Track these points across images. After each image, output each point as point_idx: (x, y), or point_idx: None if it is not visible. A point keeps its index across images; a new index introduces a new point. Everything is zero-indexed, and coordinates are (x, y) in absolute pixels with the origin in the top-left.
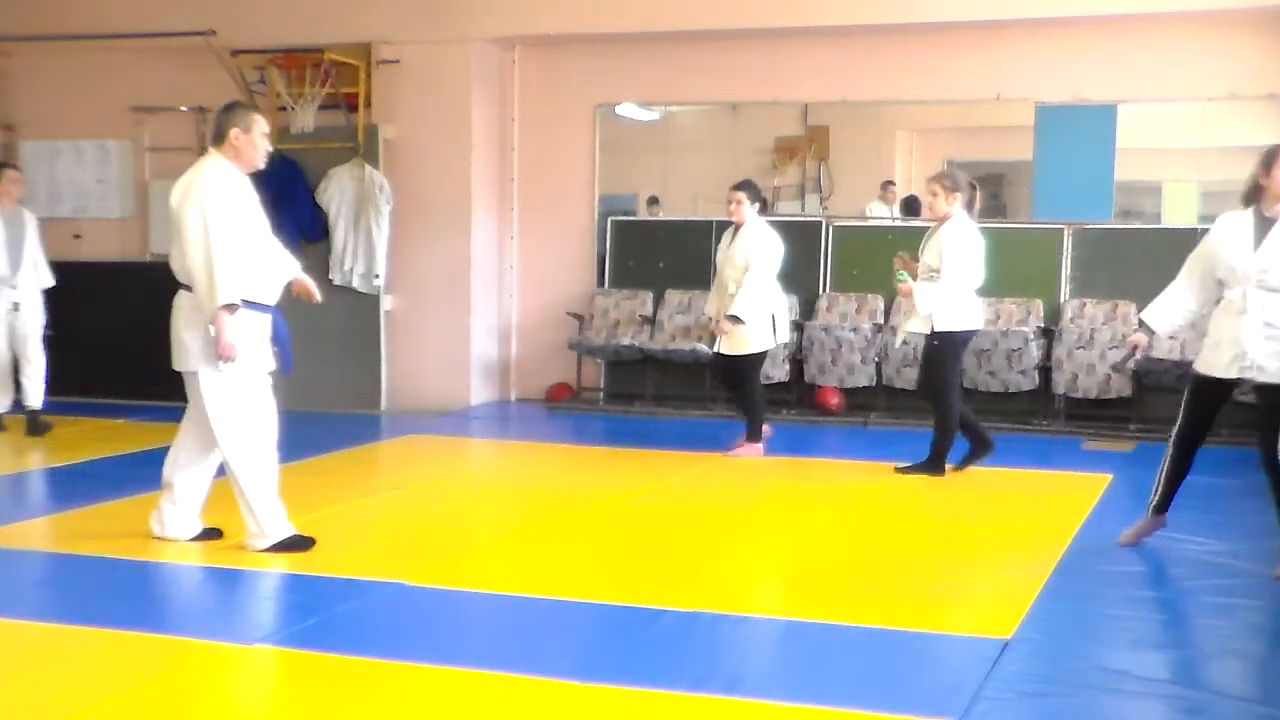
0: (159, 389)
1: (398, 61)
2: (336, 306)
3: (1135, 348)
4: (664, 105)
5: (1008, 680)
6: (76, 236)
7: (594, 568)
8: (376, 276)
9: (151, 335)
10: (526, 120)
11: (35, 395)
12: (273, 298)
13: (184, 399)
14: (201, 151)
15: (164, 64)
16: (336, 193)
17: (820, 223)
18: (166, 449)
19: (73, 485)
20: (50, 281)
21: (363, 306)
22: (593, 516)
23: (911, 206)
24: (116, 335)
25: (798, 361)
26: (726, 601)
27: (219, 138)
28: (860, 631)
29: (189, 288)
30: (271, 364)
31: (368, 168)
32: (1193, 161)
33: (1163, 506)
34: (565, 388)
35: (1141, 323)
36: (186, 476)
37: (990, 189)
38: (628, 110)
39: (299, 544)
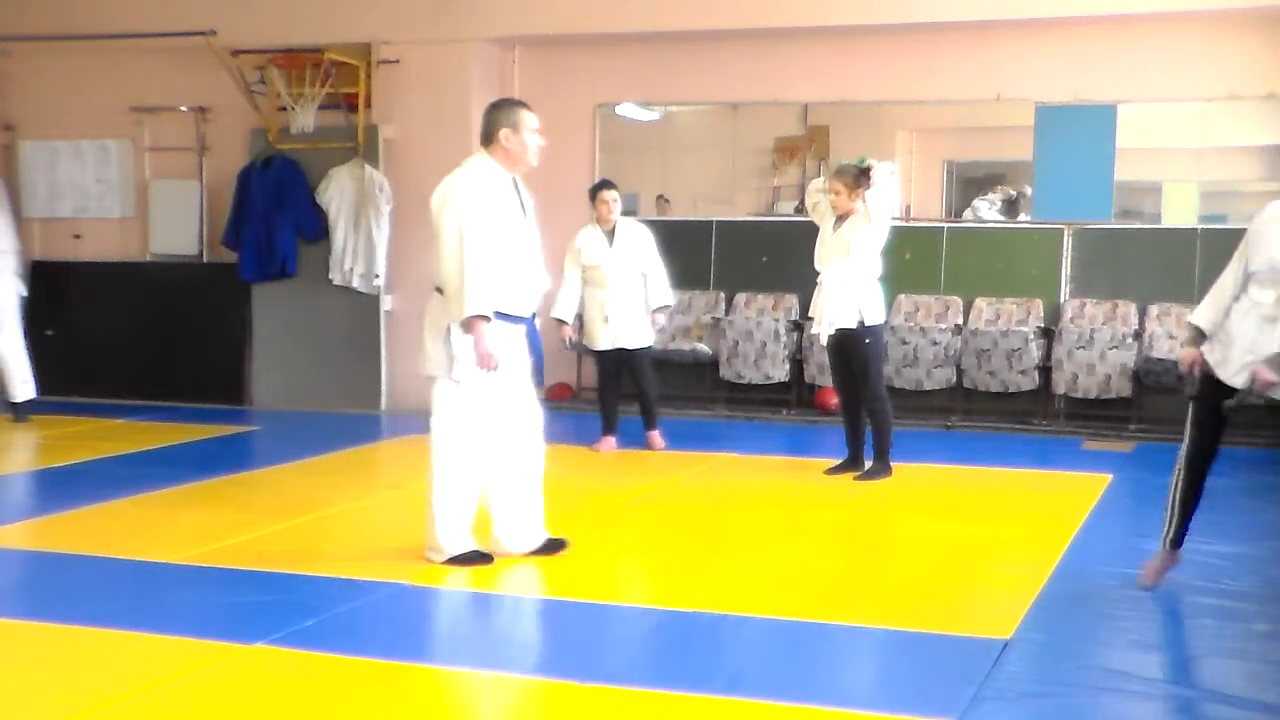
0: (159, 389)
1: (398, 61)
2: (336, 306)
3: (1193, 365)
4: (664, 105)
5: (1008, 680)
6: (76, 236)
7: (593, 568)
8: (376, 276)
9: (152, 335)
10: None
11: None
12: (528, 309)
13: (185, 399)
14: (202, 151)
15: (164, 64)
16: (336, 193)
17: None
18: (166, 449)
19: (73, 485)
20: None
21: (363, 306)
22: (592, 516)
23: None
24: (116, 335)
25: (798, 361)
26: (726, 601)
27: (486, 137)
28: (860, 631)
29: (438, 290)
30: (518, 377)
31: (368, 168)
32: (1193, 161)
33: (1179, 540)
34: (565, 388)
35: (1192, 327)
36: (507, 489)
37: (990, 189)
38: (628, 110)
39: (478, 559)
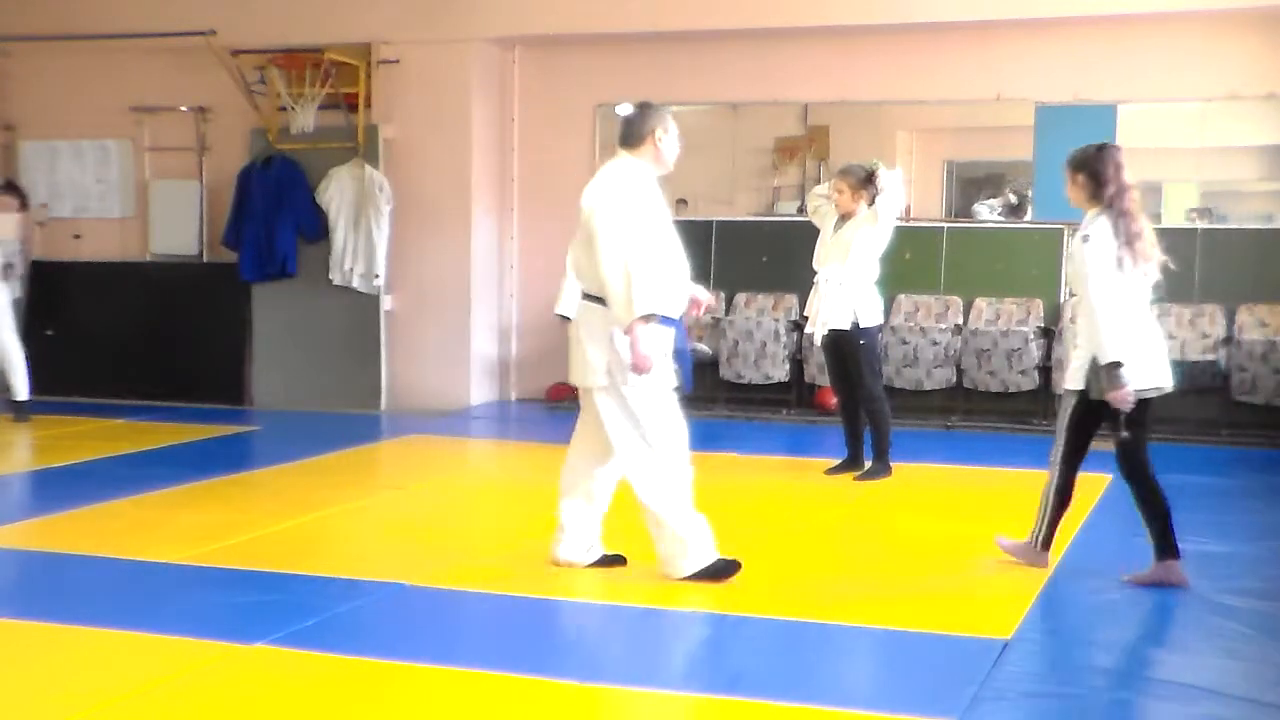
0: (159, 389)
1: (398, 61)
2: (336, 306)
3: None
4: (664, 105)
5: (1008, 680)
6: (76, 236)
7: (592, 568)
8: (376, 276)
9: (152, 335)
10: (526, 120)
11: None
12: (678, 311)
13: (185, 399)
14: (202, 151)
15: (164, 64)
16: (336, 193)
17: None
18: (166, 449)
19: (73, 485)
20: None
21: (363, 306)
22: None
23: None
24: (116, 335)
25: (798, 361)
26: (726, 601)
27: (636, 139)
28: (860, 631)
29: (596, 299)
30: (674, 380)
31: (368, 168)
32: (1193, 161)
33: (1169, 548)
34: (565, 388)
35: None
36: (576, 500)
37: (990, 189)
38: (628, 110)
39: (724, 569)
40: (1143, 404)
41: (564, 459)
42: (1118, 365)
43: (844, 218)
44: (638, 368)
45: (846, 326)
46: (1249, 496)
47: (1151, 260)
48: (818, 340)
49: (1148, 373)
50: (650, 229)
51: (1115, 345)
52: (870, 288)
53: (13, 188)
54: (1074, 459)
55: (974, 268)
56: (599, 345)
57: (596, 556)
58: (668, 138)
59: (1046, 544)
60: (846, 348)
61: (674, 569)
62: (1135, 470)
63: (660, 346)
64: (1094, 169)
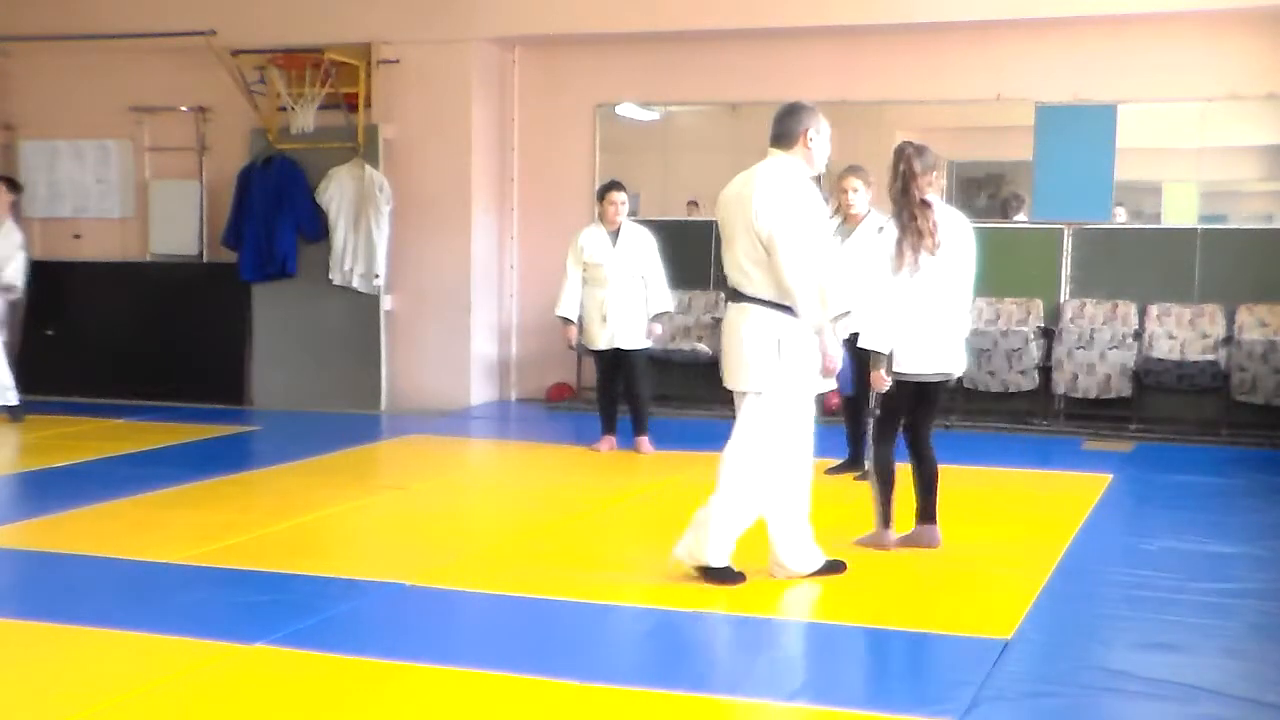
0: (159, 389)
1: (398, 61)
2: (336, 306)
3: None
4: (664, 105)
5: (1008, 680)
6: (76, 236)
7: (594, 568)
8: (376, 276)
9: (152, 335)
10: (526, 120)
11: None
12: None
13: (185, 399)
14: (202, 151)
15: (164, 64)
16: (336, 193)
17: None
18: (166, 449)
19: (73, 485)
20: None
21: (363, 306)
22: (592, 516)
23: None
24: (116, 335)
25: None
26: (726, 601)
27: (789, 139)
28: (860, 631)
29: (759, 301)
30: (822, 385)
31: (368, 168)
32: (1193, 161)
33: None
34: (565, 388)
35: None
36: (781, 506)
37: (990, 189)
38: (628, 110)
39: (731, 577)
40: (903, 386)
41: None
42: (877, 352)
43: (846, 221)
44: (829, 367)
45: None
46: (1249, 496)
47: (935, 252)
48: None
49: (911, 360)
50: (822, 231)
51: (874, 333)
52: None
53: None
54: (885, 436)
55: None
56: (763, 349)
57: (821, 563)
58: (819, 138)
59: (886, 523)
60: (860, 351)
61: (680, 553)
62: (892, 444)
63: (809, 350)
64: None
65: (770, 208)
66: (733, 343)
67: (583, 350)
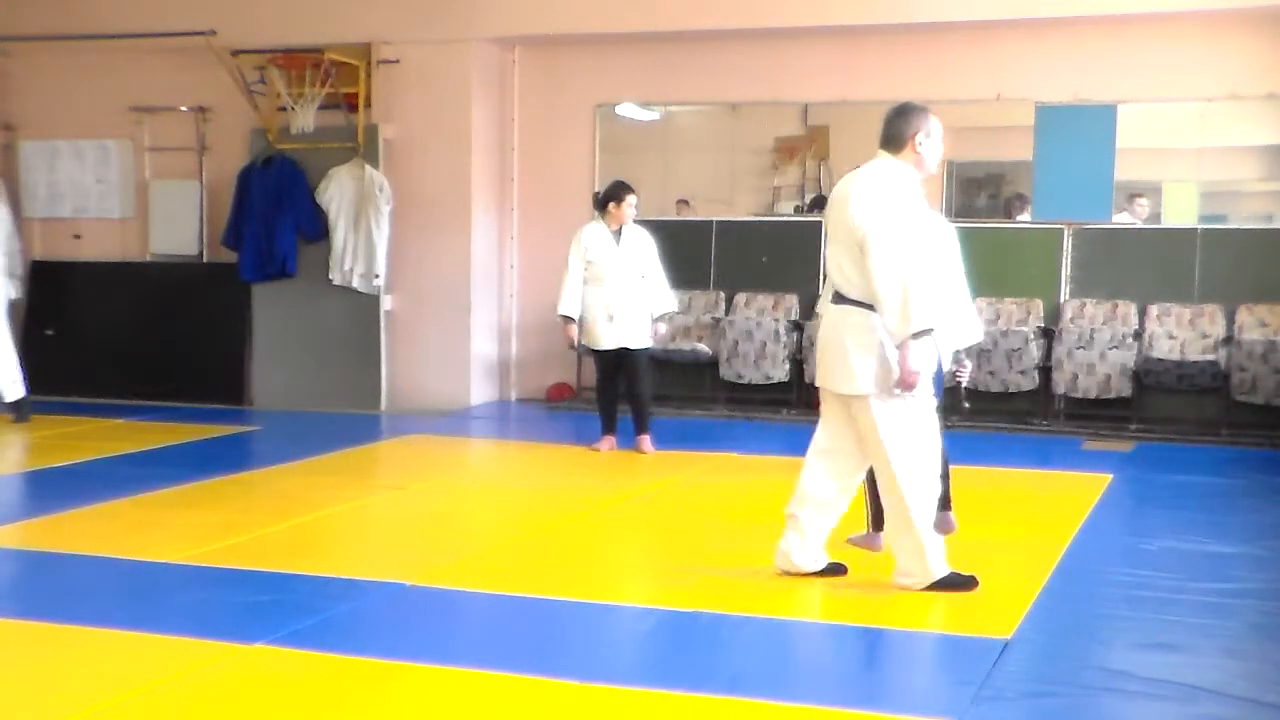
0: (159, 389)
1: (398, 61)
2: (336, 306)
3: None
4: (664, 105)
5: (1008, 680)
6: (76, 236)
7: (594, 568)
8: (376, 276)
9: (152, 335)
10: (526, 120)
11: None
12: (947, 330)
13: (184, 399)
14: (202, 151)
15: (164, 64)
16: (336, 193)
17: (819, 224)
18: (166, 449)
19: (73, 485)
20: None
21: (363, 306)
22: (592, 516)
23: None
24: (116, 335)
25: (798, 361)
26: (726, 601)
27: (898, 141)
28: (860, 631)
29: (859, 303)
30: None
31: (368, 168)
32: (1193, 161)
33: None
34: (565, 388)
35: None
36: (816, 507)
37: (990, 189)
38: (628, 110)
39: (962, 583)
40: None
41: (803, 466)
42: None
43: None
44: (906, 383)
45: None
46: (1249, 496)
47: None
48: None
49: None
50: (922, 238)
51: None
52: None
53: None
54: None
55: (974, 268)
56: (866, 352)
57: (824, 564)
58: (930, 141)
59: (878, 525)
60: None
61: (913, 579)
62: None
63: (928, 361)
64: None
65: (865, 211)
66: (834, 345)
67: (583, 350)
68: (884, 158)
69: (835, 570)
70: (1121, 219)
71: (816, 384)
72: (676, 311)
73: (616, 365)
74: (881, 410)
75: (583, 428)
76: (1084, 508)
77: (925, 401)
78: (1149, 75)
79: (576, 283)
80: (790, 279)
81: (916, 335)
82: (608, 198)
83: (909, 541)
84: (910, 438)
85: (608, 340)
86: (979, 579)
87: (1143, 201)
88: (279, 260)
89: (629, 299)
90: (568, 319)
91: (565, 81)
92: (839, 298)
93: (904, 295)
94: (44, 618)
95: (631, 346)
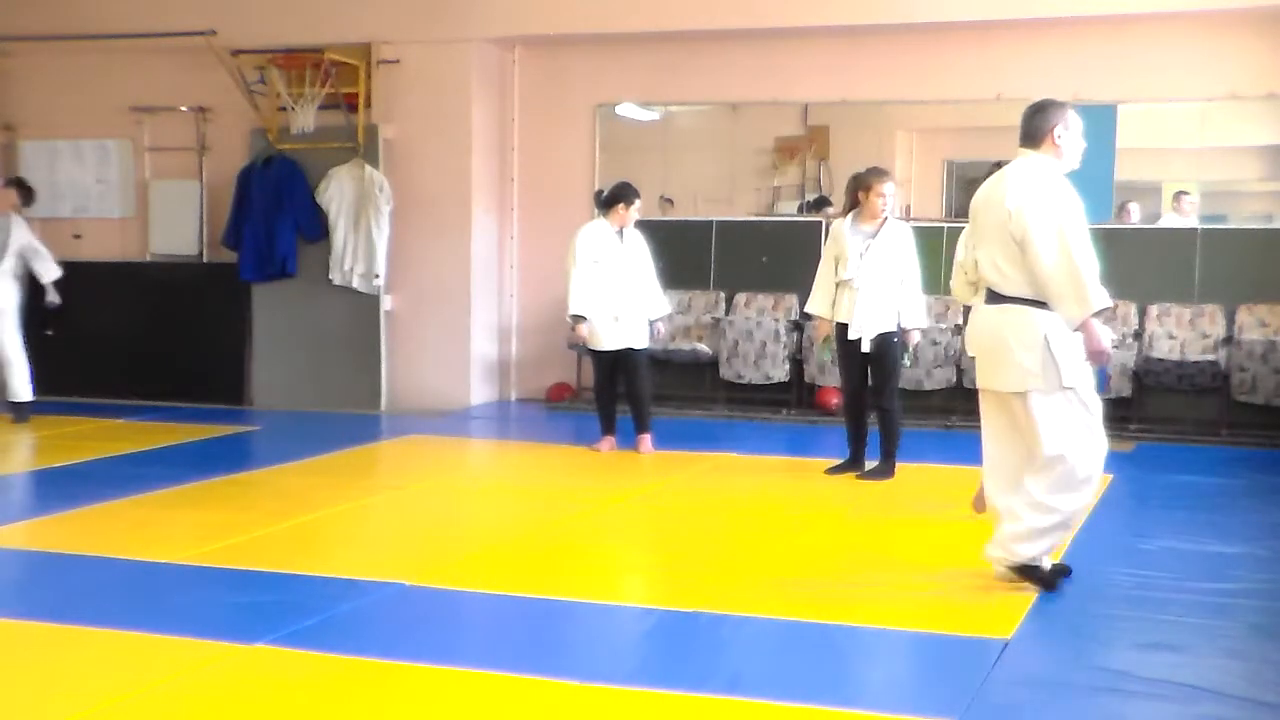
0: (159, 389)
1: (398, 61)
2: (336, 306)
3: None
4: (664, 105)
5: (1008, 680)
6: (76, 236)
7: (594, 568)
8: (376, 276)
9: (152, 335)
10: (526, 120)
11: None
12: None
13: (185, 399)
14: (202, 151)
15: (164, 64)
16: (336, 193)
17: (820, 224)
18: (166, 449)
19: (73, 485)
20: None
21: (363, 306)
22: (592, 516)
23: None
24: (116, 335)
25: (798, 361)
26: (726, 601)
27: (1037, 137)
28: (860, 631)
29: (1019, 300)
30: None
31: (368, 168)
32: (1193, 161)
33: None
34: (565, 388)
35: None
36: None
37: None
38: (628, 110)
39: (1045, 579)
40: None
41: (984, 471)
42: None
43: (867, 221)
44: (1098, 358)
45: (893, 329)
46: (1249, 496)
47: None
48: (866, 346)
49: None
50: (1079, 221)
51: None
52: (910, 291)
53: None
54: None
55: None
56: (1031, 349)
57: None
58: (1068, 134)
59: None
60: (887, 351)
61: (1008, 551)
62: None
63: (1107, 339)
64: None
65: (1021, 208)
66: (995, 343)
67: (582, 350)
68: (1026, 155)
69: (1061, 571)
70: (1169, 219)
71: (977, 386)
72: (669, 314)
73: (615, 365)
74: (1043, 405)
75: (583, 428)
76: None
77: (1086, 393)
78: (1149, 75)
79: (587, 281)
80: (790, 279)
81: (1097, 314)
82: (616, 198)
83: (1027, 524)
84: (1069, 431)
85: (612, 341)
86: (1058, 580)
87: (1191, 199)
88: (279, 260)
89: (632, 299)
90: (580, 318)
91: (565, 81)
92: (994, 297)
93: (1077, 279)
94: (44, 618)
95: (635, 347)
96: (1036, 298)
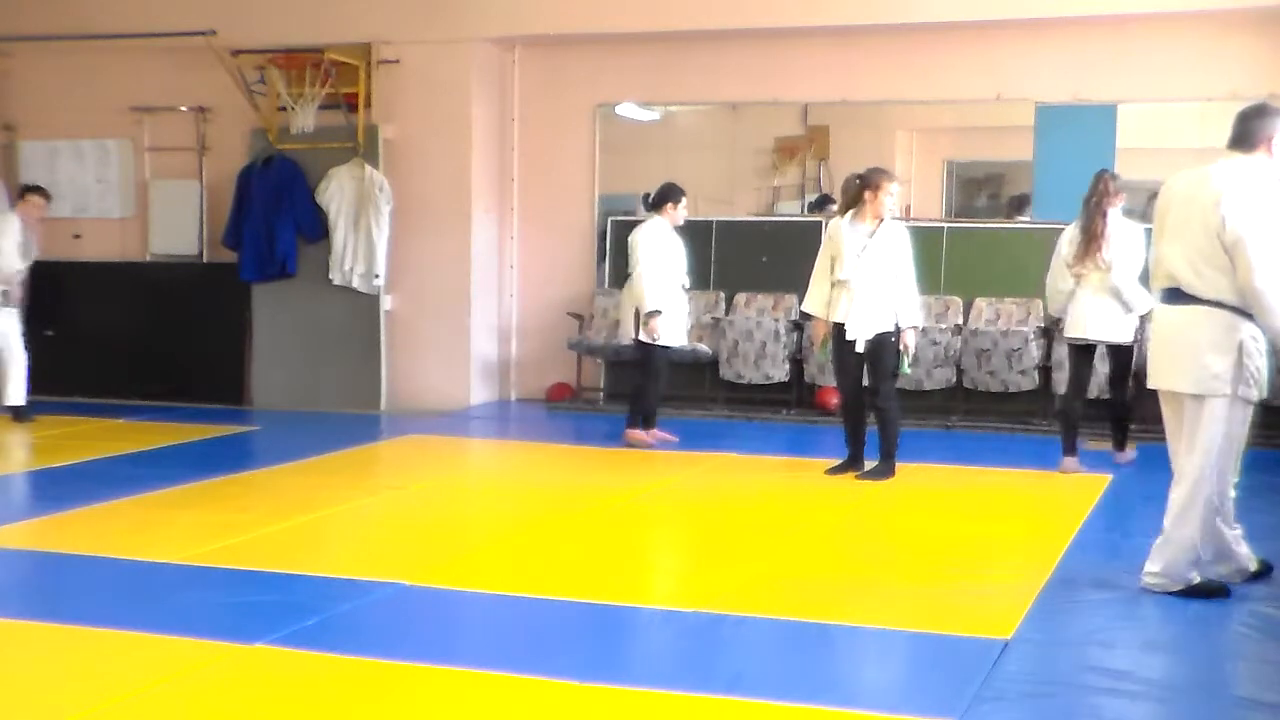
0: (159, 389)
1: (398, 61)
2: (336, 306)
3: None
4: (664, 105)
5: (1008, 680)
6: (76, 236)
7: (594, 568)
8: (376, 276)
9: (152, 335)
10: (526, 120)
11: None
12: None
13: (184, 399)
14: (202, 151)
15: (164, 64)
16: (336, 193)
17: (820, 223)
18: (166, 449)
19: (73, 485)
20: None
21: (363, 306)
22: (593, 516)
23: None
24: (116, 335)
25: (798, 361)
26: (726, 601)
27: (1250, 142)
28: (860, 631)
29: (1215, 304)
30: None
31: (368, 168)
32: (1193, 161)
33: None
34: (565, 388)
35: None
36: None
37: (990, 189)
38: (628, 110)
39: (1214, 590)
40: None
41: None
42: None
43: (865, 220)
44: None
45: (890, 329)
46: (1249, 496)
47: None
48: (860, 346)
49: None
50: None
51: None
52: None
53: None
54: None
55: (974, 268)
56: (1223, 352)
57: (1253, 568)
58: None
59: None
60: (884, 350)
61: (1165, 581)
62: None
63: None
64: None
65: (1238, 212)
66: (1181, 345)
67: (582, 350)
68: (1235, 157)
69: (1261, 574)
70: None
71: (1152, 386)
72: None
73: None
74: (1220, 411)
75: (583, 428)
76: (1084, 508)
77: (1250, 405)
78: (1149, 75)
79: (661, 276)
80: (790, 279)
81: None
82: (665, 197)
83: (1180, 536)
84: (1230, 441)
85: (681, 336)
86: (1229, 589)
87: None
88: (279, 260)
89: (684, 296)
90: (657, 313)
91: (565, 81)
92: (1183, 297)
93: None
94: (44, 618)
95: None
96: (1233, 303)
